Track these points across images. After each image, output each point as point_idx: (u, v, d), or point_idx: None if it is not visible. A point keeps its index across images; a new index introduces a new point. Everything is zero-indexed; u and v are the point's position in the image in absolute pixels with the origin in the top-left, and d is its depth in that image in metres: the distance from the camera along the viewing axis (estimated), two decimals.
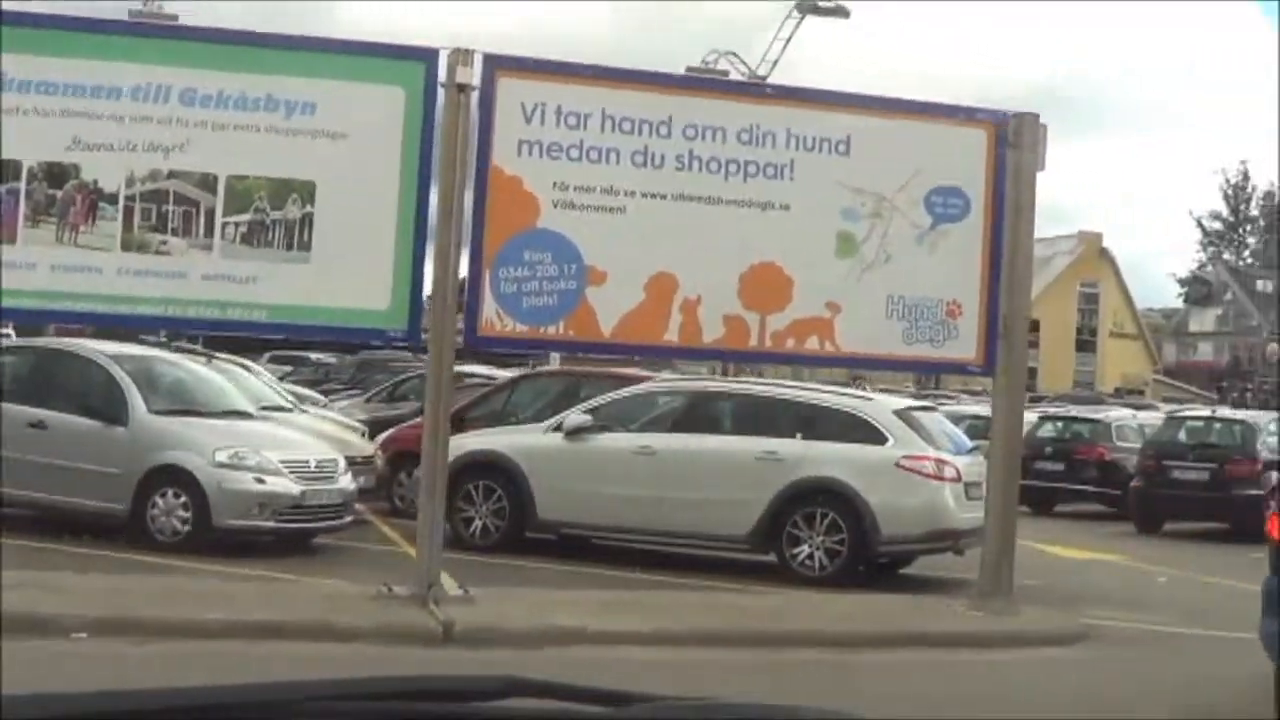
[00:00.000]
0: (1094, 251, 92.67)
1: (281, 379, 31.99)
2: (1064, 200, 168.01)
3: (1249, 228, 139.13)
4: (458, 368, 15.11)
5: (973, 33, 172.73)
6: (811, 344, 13.34)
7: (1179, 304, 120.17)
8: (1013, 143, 13.59)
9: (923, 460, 15.83)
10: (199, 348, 24.55)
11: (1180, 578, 18.61)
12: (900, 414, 16.57)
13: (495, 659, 10.24)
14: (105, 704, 2.25)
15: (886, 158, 13.49)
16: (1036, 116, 13.78)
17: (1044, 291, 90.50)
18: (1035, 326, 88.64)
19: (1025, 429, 30.48)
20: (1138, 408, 39.31)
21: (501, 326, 12.61)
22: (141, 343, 22.33)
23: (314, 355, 48.73)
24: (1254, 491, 23.96)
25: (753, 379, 22.16)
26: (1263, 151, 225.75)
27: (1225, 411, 29.83)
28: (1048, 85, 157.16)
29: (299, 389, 27.98)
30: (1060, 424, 30.24)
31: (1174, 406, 41.52)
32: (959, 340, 13.55)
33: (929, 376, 50.43)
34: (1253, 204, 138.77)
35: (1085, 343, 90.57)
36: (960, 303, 13.55)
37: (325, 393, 31.01)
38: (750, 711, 2.65)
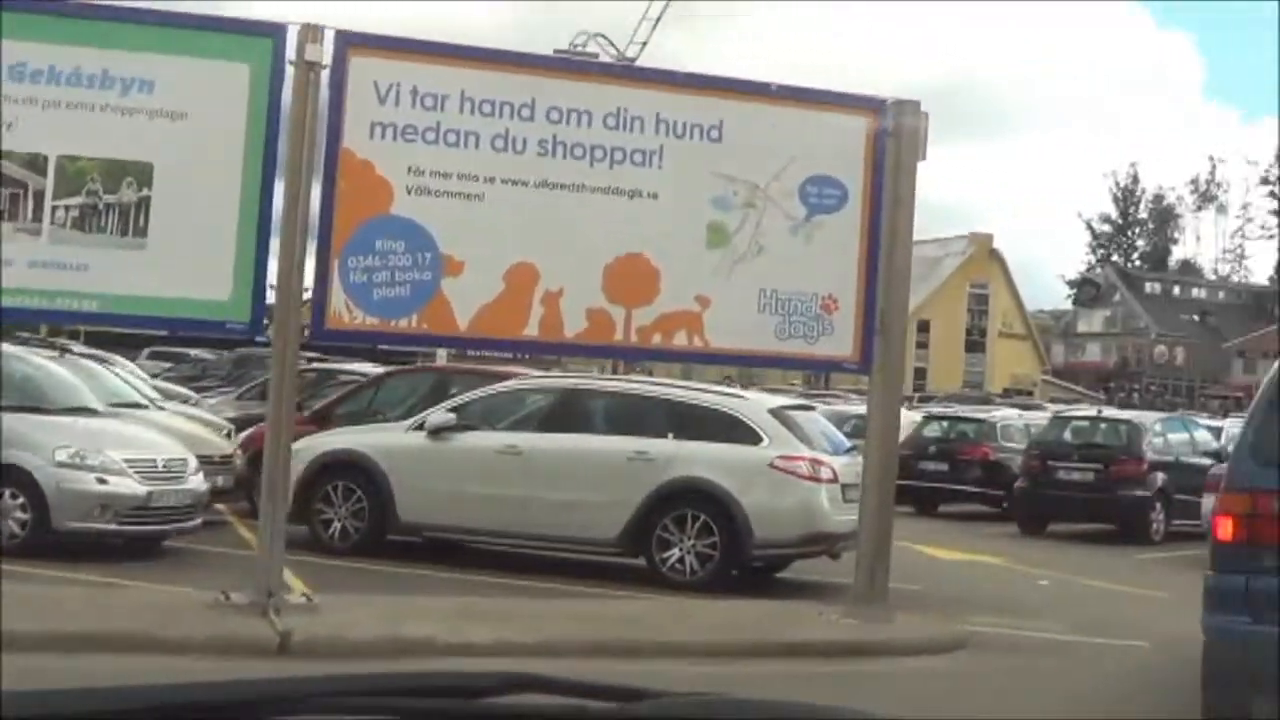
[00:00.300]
0: (984, 252, 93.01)
1: (157, 375, 31.18)
2: (956, 201, 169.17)
3: (1138, 230, 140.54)
4: (336, 365, 14.42)
5: (866, 32, 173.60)
6: (679, 339, 12.73)
7: (1068, 305, 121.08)
8: (893, 131, 13.06)
9: (797, 461, 15.28)
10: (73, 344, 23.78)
11: (1062, 581, 18.22)
12: (775, 413, 16.00)
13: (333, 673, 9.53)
14: (106, 701, 2.24)
15: (760, 145, 12.91)
16: (918, 104, 13.25)
17: (934, 292, 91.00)
18: (925, 326, 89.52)
19: (909, 429, 30.33)
20: (1025, 408, 39.12)
21: (350, 319, 11.89)
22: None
23: (193, 351, 47.67)
24: (1140, 492, 23.74)
25: (634, 377, 21.56)
26: (1152, 154, 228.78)
27: (1111, 411, 29.55)
28: (942, 87, 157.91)
29: (169, 385, 27.21)
30: (945, 424, 29.87)
31: (1060, 407, 41.34)
32: (834, 336, 13.00)
33: (818, 375, 50.17)
34: (1142, 206, 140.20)
35: (975, 343, 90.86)
36: (836, 297, 13.00)
37: (202, 389, 30.21)
38: (758, 708, 2.60)
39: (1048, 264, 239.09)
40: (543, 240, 12.33)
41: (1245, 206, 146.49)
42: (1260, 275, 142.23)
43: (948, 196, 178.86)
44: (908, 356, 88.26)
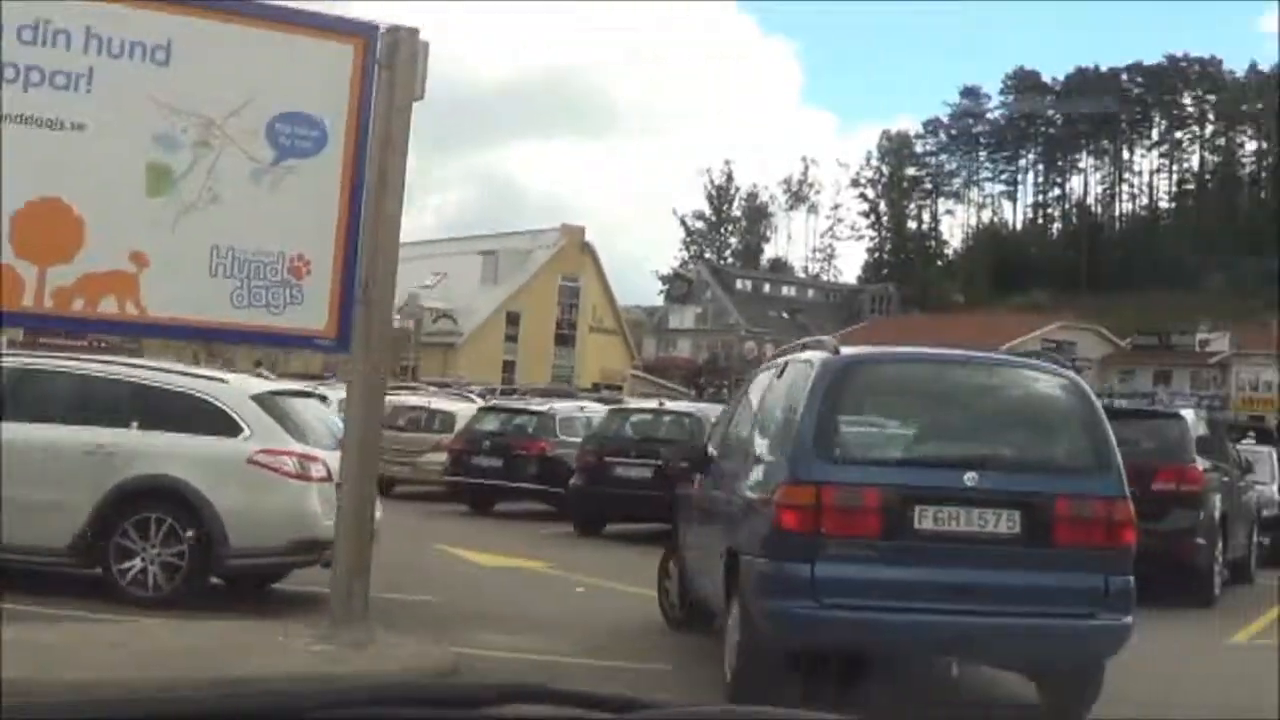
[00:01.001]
0: (576, 245, 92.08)
1: None
2: (551, 194, 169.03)
3: (731, 227, 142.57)
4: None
5: (466, 20, 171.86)
6: (108, 306, 10.27)
7: (662, 301, 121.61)
8: (385, 63, 10.93)
9: (282, 456, 13.04)
10: None
11: (601, 589, 16.38)
12: (261, 400, 13.67)
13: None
14: (105, 710, 2.28)
15: (219, 73, 10.60)
16: (416, 32, 11.12)
17: (525, 285, 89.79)
18: (515, 319, 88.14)
19: (465, 420, 28.34)
20: (605, 402, 37.51)
21: None
22: None
23: None
24: None
25: (114, 356, 18.87)
26: (749, 155, 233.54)
27: (673, 405, 27.88)
28: (543, 80, 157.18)
29: None
30: (501, 416, 27.86)
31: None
32: (305, 306, 10.79)
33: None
34: (735, 204, 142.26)
35: (565, 337, 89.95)
36: (309, 258, 10.80)
37: None
38: (760, 716, 2.73)
39: (644, 260, 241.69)
40: None
41: (836, 207, 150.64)
42: (849, 274, 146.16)
43: (542, 188, 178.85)
44: (495, 349, 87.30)
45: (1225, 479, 18.92)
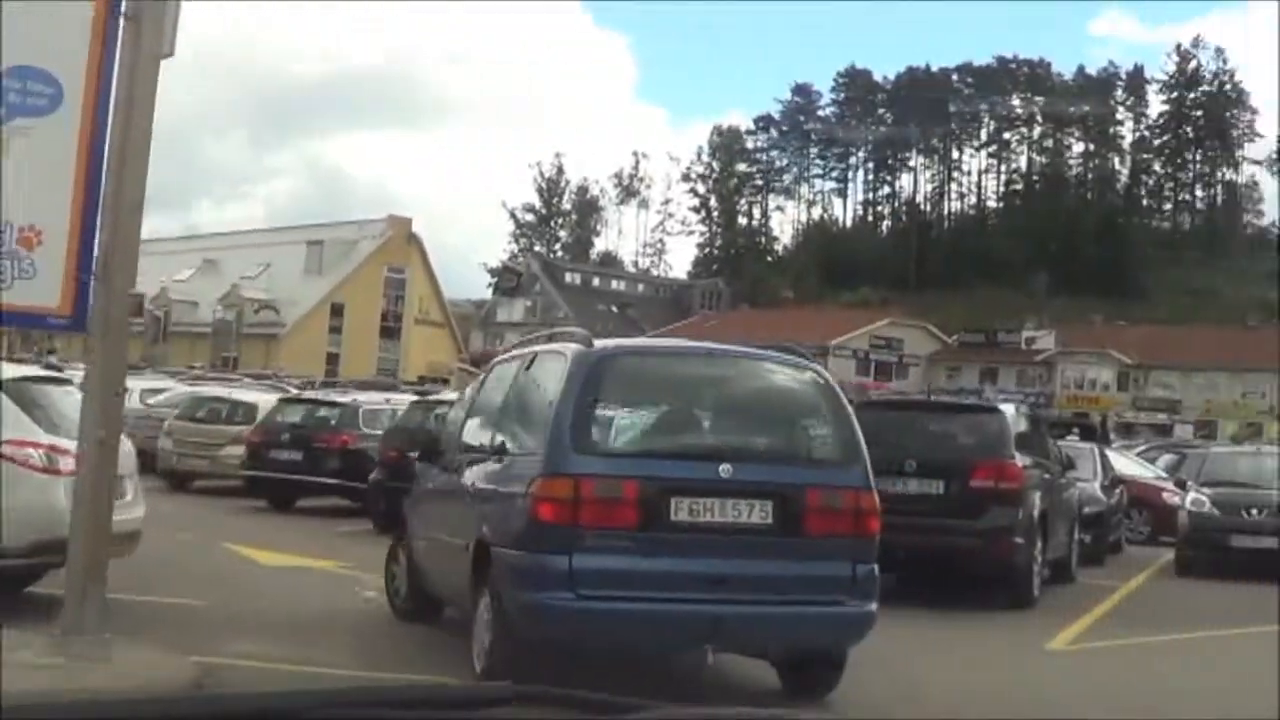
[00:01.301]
0: (403, 236, 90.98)
1: None
2: (379, 185, 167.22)
3: (561, 221, 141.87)
4: None
5: (294, 8, 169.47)
6: None
7: (490, 294, 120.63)
8: (130, 15, 9.89)
9: (29, 448, 11.91)
10: None
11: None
12: (11, 386, 12.53)
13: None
14: (107, 711, 2.28)
15: None
16: None
17: (350, 275, 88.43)
18: (339, 310, 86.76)
19: (264, 410, 27.14)
20: (424, 395, 36.39)
21: None
22: None
23: None
24: None
25: None
26: (581, 149, 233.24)
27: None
28: (372, 71, 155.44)
29: None
30: (303, 408, 26.66)
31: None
32: (36, 281, 9.73)
33: None
34: (565, 198, 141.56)
35: (390, 329, 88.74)
36: (40, 228, 9.74)
37: None
38: (749, 716, 2.91)
39: (473, 252, 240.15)
40: None
41: (666, 202, 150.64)
42: (679, 269, 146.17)
43: (372, 180, 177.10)
44: (319, 341, 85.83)
45: (1046, 476, 18.36)
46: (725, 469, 9.60)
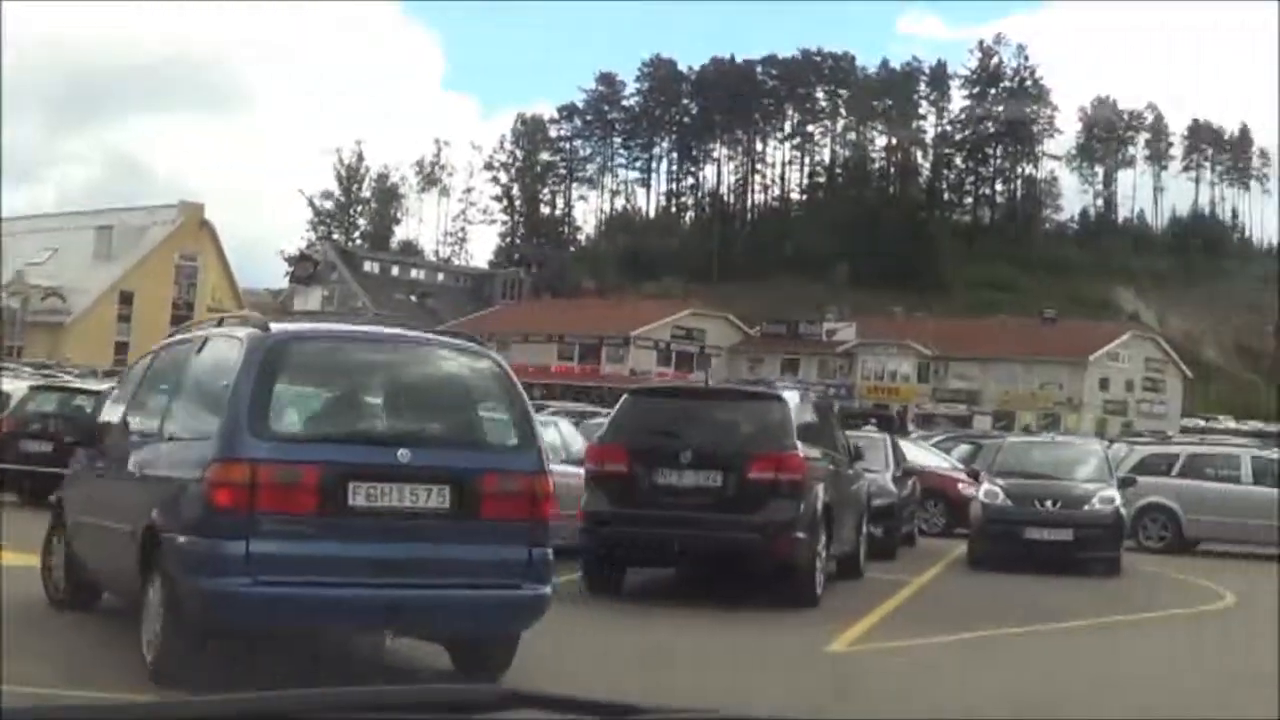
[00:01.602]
0: (195, 223, 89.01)
1: None
2: (171, 171, 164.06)
3: (360, 209, 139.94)
4: None
5: None
6: None
7: (287, 283, 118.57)
8: None
9: None
10: None
11: None
12: None
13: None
14: (105, 713, 2.40)
15: None
16: None
17: (140, 262, 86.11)
18: (128, 298, 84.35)
19: (11, 400, 25.59)
20: None
21: None
22: None
23: None
24: None
25: None
26: (384, 136, 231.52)
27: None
28: (165, 56, 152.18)
29: None
30: (57, 396, 25.24)
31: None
32: None
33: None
34: (365, 185, 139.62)
35: (182, 317, 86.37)
36: None
37: None
38: (748, 716, 2.92)
39: (270, 240, 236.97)
40: None
41: (469, 191, 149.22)
42: (480, 259, 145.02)
43: (168, 166, 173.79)
44: (108, 329, 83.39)
45: (831, 467, 17.54)
46: (403, 454, 9.62)
